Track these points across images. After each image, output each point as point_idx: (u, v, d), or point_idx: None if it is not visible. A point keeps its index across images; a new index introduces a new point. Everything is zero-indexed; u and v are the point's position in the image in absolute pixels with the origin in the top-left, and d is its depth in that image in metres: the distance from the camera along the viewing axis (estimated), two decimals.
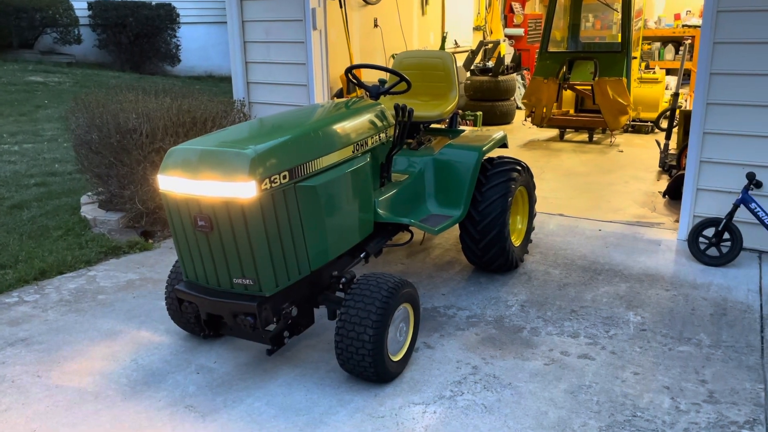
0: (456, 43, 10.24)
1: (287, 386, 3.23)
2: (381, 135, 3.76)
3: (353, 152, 3.45)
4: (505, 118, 10.18)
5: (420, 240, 4.37)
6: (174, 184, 2.94)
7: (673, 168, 6.74)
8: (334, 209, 3.29)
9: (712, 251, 4.54)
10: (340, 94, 8.00)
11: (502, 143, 4.52)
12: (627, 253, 4.81)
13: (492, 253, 4.26)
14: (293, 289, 3.13)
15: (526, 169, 4.48)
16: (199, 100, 5.95)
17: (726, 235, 4.49)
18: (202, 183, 2.85)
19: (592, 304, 4.06)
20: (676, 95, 7.10)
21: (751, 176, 4.38)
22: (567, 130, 9.10)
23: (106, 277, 4.69)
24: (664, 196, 6.09)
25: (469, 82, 10.14)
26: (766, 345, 3.54)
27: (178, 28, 16.23)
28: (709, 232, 4.55)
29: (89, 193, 6.31)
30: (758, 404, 3.03)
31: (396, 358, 3.25)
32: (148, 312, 4.10)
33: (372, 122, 3.68)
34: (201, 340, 3.69)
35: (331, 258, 3.33)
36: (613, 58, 8.26)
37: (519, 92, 11.09)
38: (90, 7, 15.42)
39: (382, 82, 4.14)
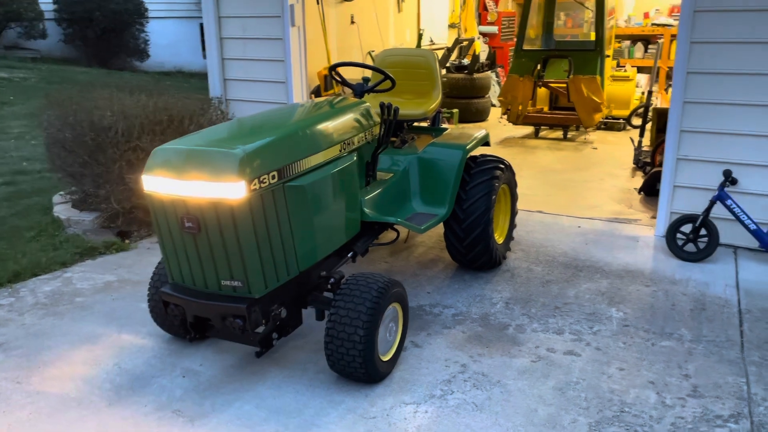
0: (431, 41, 10.25)
1: (276, 388, 3.20)
2: (367, 134, 3.74)
3: (340, 151, 3.43)
4: (480, 116, 10.24)
5: (404, 238, 4.37)
6: (159, 184, 2.89)
7: (647, 165, 6.86)
8: (323, 209, 3.26)
9: (690, 247, 4.63)
10: (317, 92, 7.95)
11: (485, 141, 4.54)
12: (606, 249, 4.87)
13: (476, 251, 4.27)
14: (282, 290, 3.10)
15: (509, 167, 4.51)
16: (176, 98, 5.85)
17: (703, 231, 4.57)
18: (189, 183, 2.80)
19: (575, 301, 4.11)
20: (649, 93, 7.22)
21: (727, 173, 4.48)
22: (542, 127, 9.19)
23: (82, 279, 4.58)
24: (639, 192, 6.19)
25: (445, 79, 10.16)
26: (745, 339, 3.62)
27: (147, 22, 15.94)
28: (687, 228, 4.64)
29: (62, 193, 6.16)
30: (741, 398, 3.10)
31: (386, 358, 3.24)
32: (129, 314, 4.02)
33: (358, 121, 3.66)
34: (185, 343, 3.63)
35: (320, 258, 3.31)
36: (587, 57, 8.36)
37: (494, 90, 11.17)
38: (55, 1, 15.05)
39: (366, 80, 4.12)
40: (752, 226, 4.46)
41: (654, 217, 5.49)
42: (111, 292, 4.36)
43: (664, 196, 4.95)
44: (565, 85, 8.46)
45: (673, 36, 13.05)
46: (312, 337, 3.66)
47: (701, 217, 4.54)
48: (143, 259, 4.96)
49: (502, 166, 4.39)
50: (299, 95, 6.45)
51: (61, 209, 5.80)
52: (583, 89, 8.14)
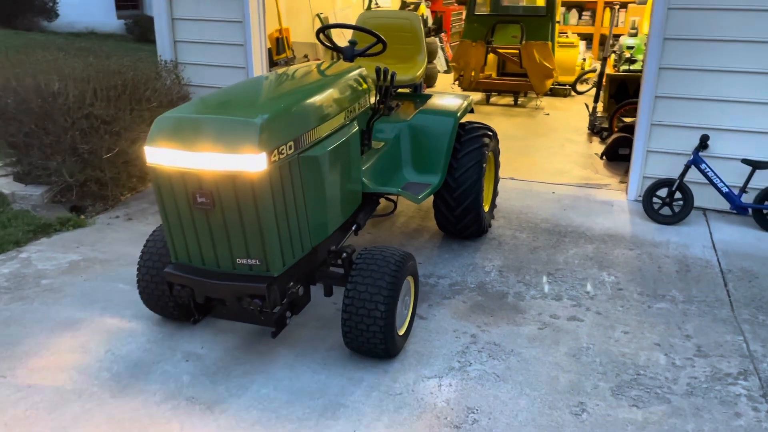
0: (377, 4, 10.02)
1: (290, 368, 3.06)
2: (363, 100, 3.58)
3: (344, 119, 3.26)
4: (428, 81, 10.12)
5: (391, 209, 4.27)
6: (166, 156, 2.64)
7: (604, 130, 7.01)
8: (333, 180, 3.11)
9: (666, 210, 4.77)
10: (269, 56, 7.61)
11: (471, 108, 4.47)
12: (585, 214, 4.95)
13: (467, 220, 4.23)
14: (296, 267, 2.94)
15: (495, 134, 4.46)
16: (130, 59, 5.44)
17: (678, 195, 4.71)
18: (202, 155, 2.58)
19: (565, 266, 4.15)
20: (604, 60, 7.34)
21: (704, 138, 4.62)
22: (492, 93, 9.21)
23: (42, 259, 4.22)
24: (601, 157, 6.32)
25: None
26: (733, 299, 3.77)
27: None
28: (662, 192, 4.77)
29: (0, 164, 5.64)
30: (743, 355, 3.23)
31: (401, 332, 3.16)
32: (107, 296, 3.74)
33: (357, 87, 3.49)
34: (178, 325, 3.41)
35: (330, 232, 3.16)
36: (538, 23, 8.40)
37: (440, 56, 11.08)
38: None
39: (352, 43, 3.93)
40: (725, 189, 4.63)
41: (622, 182, 5.63)
42: (79, 272, 4.04)
43: (637, 161, 5.06)
44: (516, 51, 8.49)
45: (606, 3, 13.38)
46: (313, 313, 3.52)
47: (677, 181, 4.67)
48: (105, 236, 4.63)
49: (490, 133, 4.34)
50: (259, 59, 6.14)
51: (3, 183, 5.32)
52: (536, 55, 8.19)
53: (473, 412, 2.77)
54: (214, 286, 2.79)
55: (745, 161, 4.60)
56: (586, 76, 9.68)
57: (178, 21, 6.25)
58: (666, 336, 3.40)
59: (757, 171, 4.58)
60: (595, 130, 7.21)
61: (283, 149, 2.67)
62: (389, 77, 3.59)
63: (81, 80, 5.04)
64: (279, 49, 7.63)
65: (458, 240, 4.50)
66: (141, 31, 14.01)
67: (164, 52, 6.33)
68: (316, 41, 9.01)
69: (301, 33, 8.44)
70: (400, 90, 4.52)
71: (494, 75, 9.51)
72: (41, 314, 3.53)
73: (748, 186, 4.62)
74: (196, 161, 2.59)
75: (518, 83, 8.76)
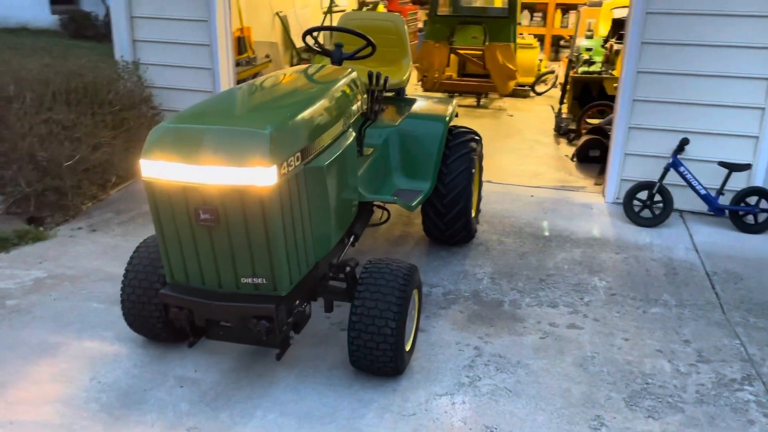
0: (335, 3, 9.84)
1: (293, 391, 2.90)
2: (357, 106, 3.44)
3: (343, 127, 3.12)
4: None
5: (385, 218, 4.13)
6: (165, 170, 2.45)
7: (571, 132, 7.07)
8: (335, 191, 2.96)
9: (646, 213, 4.81)
10: None
11: (456, 113, 4.39)
12: (567, 218, 4.95)
13: (457, 226, 4.15)
14: (301, 284, 2.78)
15: (481, 139, 4.39)
16: (88, 60, 5.13)
17: (657, 198, 4.76)
18: (206, 169, 2.39)
19: (556, 272, 4.12)
20: (570, 61, 7.39)
21: (684, 142, 4.68)
22: (455, 94, 9.18)
23: (3, 277, 3.92)
24: (572, 159, 6.36)
25: None
26: (722, 301, 3.82)
27: None
28: (642, 195, 4.81)
29: None
30: (744, 359, 3.25)
31: (407, 348, 3.04)
32: (82, 317, 3.48)
33: (353, 92, 3.35)
34: (165, 347, 3.20)
35: (334, 245, 3.01)
36: (500, 24, 8.41)
37: None
38: None
39: (338, 45, 3.79)
40: (702, 191, 4.71)
41: (597, 184, 5.67)
42: (46, 291, 3.76)
43: (615, 164, 5.10)
44: (477, 52, 8.48)
45: (558, 4, 13.59)
46: (307, 330, 3.34)
47: (657, 184, 4.72)
48: (69, 250, 4.34)
49: (477, 137, 4.27)
50: (225, 60, 5.90)
51: None
52: (499, 57, 8.20)
53: (492, 431, 2.68)
54: (218, 307, 2.60)
55: (722, 164, 4.68)
56: (544, 78, 9.77)
57: (138, 19, 5.93)
58: (666, 342, 3.40)
59: (734, 173, 4.67)
60: (561, 131, 7.26)
61: (291, 161, 2.51)
62: (382, 82, 3.46)
63: (38, 83, 4.71)
64: (240, 49, 7.38)
65: (445, 246, 4.41)
66: (77, 27, 13.35)
67: (122, 51, 6.00)
68: (277, 40, 8.79)
69: (262, 32, 8.20)
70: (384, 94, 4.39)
71: (455, 76, 9.48)
72: (11, 339, 3.25)
73: (725, 188, 4.71)
74: (199, 175, 2.41)
75: (481, 84, 8.75)
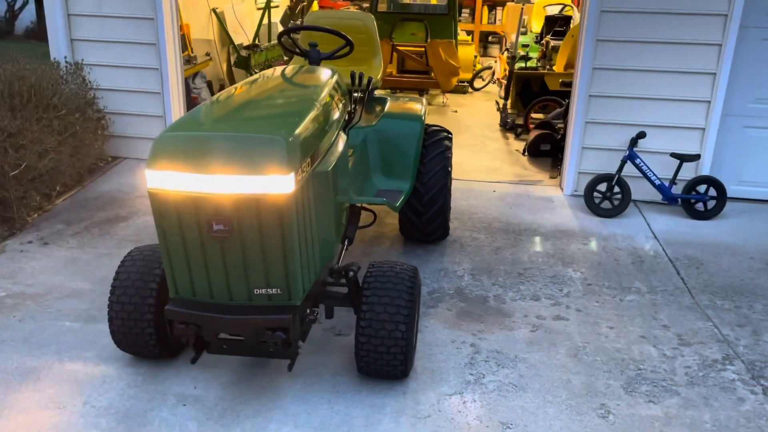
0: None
1: (303, 401, 2.83)
2: (344, 107, 3.39)
3: (337, 128, 3.07)
4: None
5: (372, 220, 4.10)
6: (173, 180, 2.32)
7: (518, 127, 7.24)
8: (335, 195, 2.91)
9: (606, 204, 5.01)
10: None
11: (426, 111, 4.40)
12: (531, 212, 5.07)
13: (435, 224, 4.17)
14: (311, 291, 2.72)
15: (452, 136, 4.43)
16: (28, 61, 4.80)
17: (616, 189, 4.96)
18: (219, 178, 2.29)
19: (532, 265, 4.22)
20: (513, 58, 7.57)
21: (641, 135, 4.89)
22: (396, 91, 9.21)
23: None
24: (524, 153, 6.53)
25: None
26: (689, 286, 4.03)
27: None
28: (602, 187, 5.00)
29: None
30: (720, 341, 3.45)
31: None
32: (56, 337, 3.27)
33: (342, 94, 3.30)
34: (155, 365, 3.04)
35: (336, 249, 2.96)
36: (440, 21, 8.51)
37: None
38: None
39: (314, 45, 3.72)
40: (657, 182, 4.95)
41: (552, 177, 5.84)
42: (9, 311, 3.50)
43: (573, 158, 5.27)
44: (421, 49, 8.53)
45: (485, 1, 13.88)
46: None
47: (617, 175, 4.92)
48: (24, 265, 4.06)
49: (450, 135, 4.30)
50: (174, 59, 5.67)
51: None
52: (442, 53, 8.29)
53: (509, 427, 2.72)
54: (231, 321, 2.50)
55: (674, 155, 4.93)
56: (481, 74, 9.96)
57: (76, 17, 5.60)
58: (647, 327, 3.55)
59: (684, 164, 4.93)
60: (508, 126, 7.43)
61: (305, 167, 2.45)
62: (368, 83, 3.43)
63: None
64: (182, 47, 7.08)
65: (420, 245, 4.43)
66: None
67: (59, 51, 5.65)
68: (214, 38, 8.51)
69: (199, 30, 7.91)
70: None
71: (395, 72, 9.51)
72: None
73: (677, 178, 4.96)
74: (211, 185, 2.30)
75: (422, 81, 8.82)
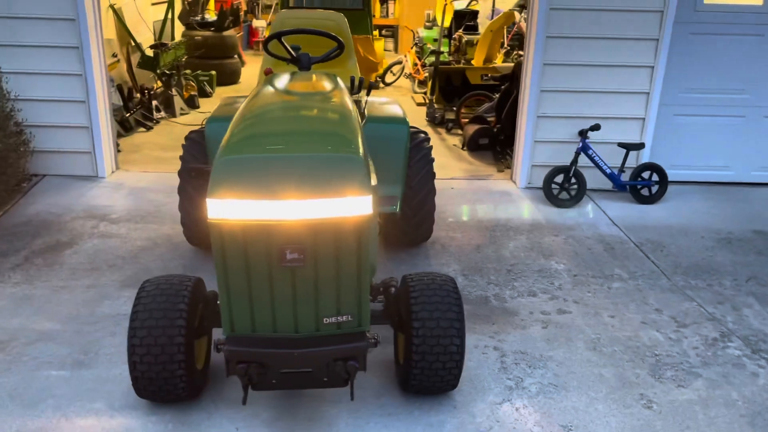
0: None
1: (359, 428, 2.67)
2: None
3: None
4: (233, 78, 9.54)
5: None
6: (240, 209, 2.09)
7: (449, 122, 7.32)
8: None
9: (563, 195, 5.19)
10: None
11: None
12: (494, 207, 5.15)
13: (423, 228, 4.12)
14: None
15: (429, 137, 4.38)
16: None
17: (573, 180, 5.16)
18: (293, 204, 2.09)
19: (517, 261, 4.29)
20: (438, 53, 7.64)
21: (596, 127, 5.10)
22: None
23: None
24: (463, 148, 6.62)
25: (185, 38, 9.12)
26: (662, 269, 4.28)
27: None
28: (559, 178, 5.17)
29: None
30: (710, 319, 3.69)
31: None
32: (48, 390, 2.86)
33: (352, 101, 3.13)
34: (181, 409, 2.75)
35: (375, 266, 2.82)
36: (356, 16, 8.37)
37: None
38: None
39: (297, 48, 3.52)
40: (608, 171, 5.20)
41: (500, 171, 5.97)
42: None
43: (526, 151, 5.41)
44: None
45: None
46: None
47: (573, 167, 5.11)
48: None
49: (428, 137, 4.25)
50: (98, 64, 5.15)
51: None
52: (360, 49, 8.20)
53: (570, 430, 2.74)
54: (301, 355, 2.30)
55: (621, 144, 5.21)
56: (392, 68, 9.98)
57: None
58: (643, 313, 3.72)
59: (631, 152, 5.22)
60: (436, 121, 7.49)
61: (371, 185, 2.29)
62: (369, 88, 3.29)
63: None
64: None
65: (403, 248, 4.36)
66: None
67: None
68: (112, 36, 7.84)
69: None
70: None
71: None
72: None
73: (625, 166, 5.25)
74: (284, 211, 2.10)
75: None
